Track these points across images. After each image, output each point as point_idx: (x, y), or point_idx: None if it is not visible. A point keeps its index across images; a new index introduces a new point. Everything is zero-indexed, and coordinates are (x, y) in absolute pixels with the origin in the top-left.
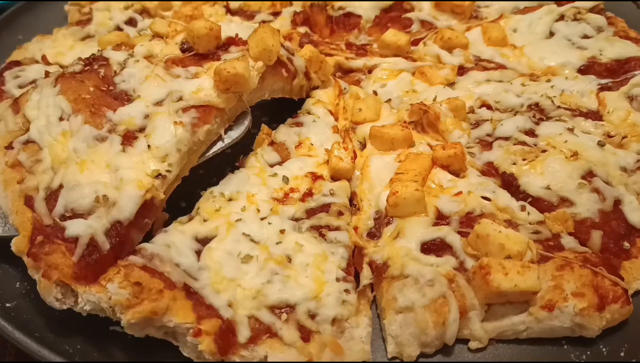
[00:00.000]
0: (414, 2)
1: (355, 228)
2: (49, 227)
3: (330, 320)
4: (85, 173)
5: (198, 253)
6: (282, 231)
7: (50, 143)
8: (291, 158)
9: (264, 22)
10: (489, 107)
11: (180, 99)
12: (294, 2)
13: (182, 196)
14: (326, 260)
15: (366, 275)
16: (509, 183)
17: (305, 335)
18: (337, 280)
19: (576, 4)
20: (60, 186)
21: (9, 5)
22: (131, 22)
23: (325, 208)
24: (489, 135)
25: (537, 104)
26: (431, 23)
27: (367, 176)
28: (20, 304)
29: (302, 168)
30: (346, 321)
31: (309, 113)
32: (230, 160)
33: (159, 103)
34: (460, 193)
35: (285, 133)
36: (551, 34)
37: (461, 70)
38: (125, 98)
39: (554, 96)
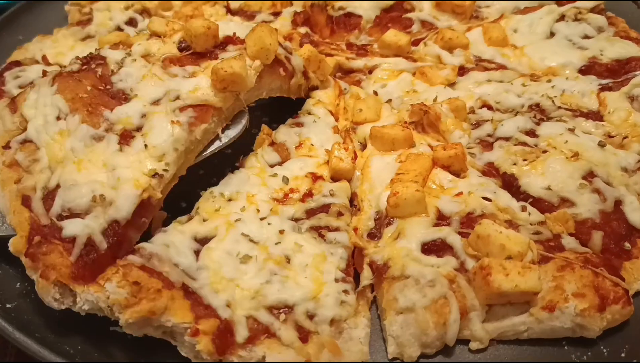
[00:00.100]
0: (415, 2)
1: (355, 229)
2: (47, 227)
3: (328, 321)
4: (82, 172)
5: (197, 253)
6: (281, 232)
7: (48, 142)
8: (291, 158)
9: (264, 22)
10: (489, 107)
11: (178, 98)
12: (294, 2)
13: (182, 196)
14: (325, 260)
15: (367, 276)
16: (510, 184)
17: (304, 335)
18: (336, 280)
19: (577, 4)
20: (58, 186)
21: (10, 5)
22: (131, 22)
23: (325, 208)
24: (489, 135)
25: (537, 105)
26: (432, 23)
27: (368, 176)
28: (21, 304)
29: (302, 168)
30: (345, 322)
31: (309, 113)
32: (231, 160)
33: (156, 102)
34: (460, 193)
35: (285, 133)
36: (552, 34)
37: (462, 70)
38: (122, 97)
39: (555, 96)
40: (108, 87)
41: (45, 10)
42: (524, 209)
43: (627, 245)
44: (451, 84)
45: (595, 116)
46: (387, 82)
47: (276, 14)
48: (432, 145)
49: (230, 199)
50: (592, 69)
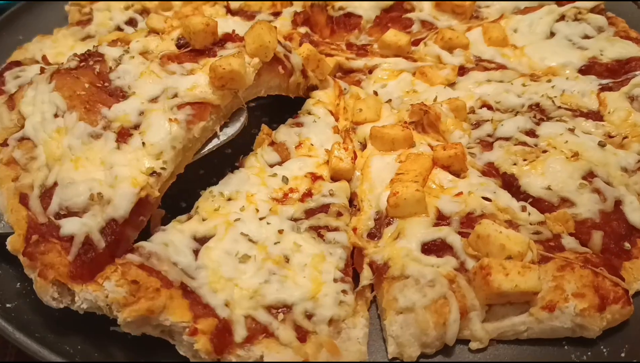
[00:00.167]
0: (415, 2)
1: (354, 229)
2: (44, 225)
3: (327, 321)
4: (79, 170)
5: (196, 252)
6: (280, 231)
7: (45, 139)
8: (291, 158)
9: None
10: (489, 107)
11: (176, 95)
12: (294, 2)
13: (182, 196)
14: (324, 260)
15: (366, 276)
16: (510, 184)
17: (302, 335)
18: (335, 280)
19: (577, 4)
20: (55, 184)
21: (10, 5)
22: (132, 22)
23: (324, 208)
24: (489, 135)
25: (537, 105)
26: (432, 23)
27: (368, 176)
28: (21, 304)
29: (301, 168)
30: (343, 322)
31: (309, 113)
32: (231, 160)
33: (153, 100)
34: (460, 193)
35: (285, 133)
36: (552, 34)
37: (462, 70)
38: (120, 95)
39: (555, 96)
40: (106, 84)
41: (45, 10)
42: (524, 209)
43: (627, 244)
44: (451, 84)
45: (595, 116)
46: (387, 82)
47: (276, 14)
48: (432, 145)
49: (229, 199)
50: (592, 69)
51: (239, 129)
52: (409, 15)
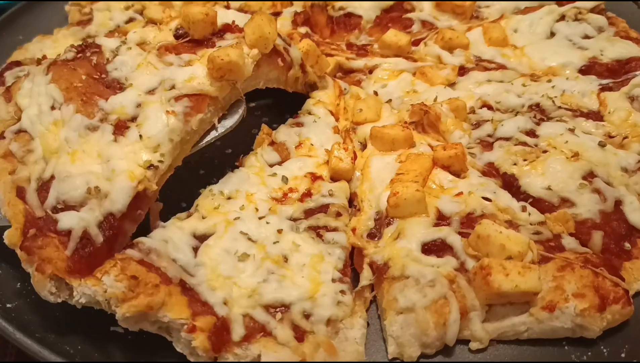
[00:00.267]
0: (415, 2)
1: (353, 230)
2: (41, 219)
3: (325, 321)
4: (76, 163)
5: (195, 249)
6: (279, 231)
7: (42, 132)
8: (291, 158)
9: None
10: (489, 107)
11: (173, 87)
12: (294, 2)
13: (183, 196)
14: (323, 260)
15: (367, 276)
16: (510, 184)
17: (300, 335)
18: (333, 280)
19: (577, 4)
20: (52, 177)
21: (10, 5)
22: (132, 22)
23: (323, 208)
24: (489, 135)
25: (537, 105)
26: (432, 23)
27: (368, 176)
28: (21, 305)
29: (301, 168)
30: (341, 322)
31: (309, 113)
32: (231, 160)
33: (151, 92)
34: (461, 193)
35: (285, 133)
36: (552, 34)
37: (462, 70)
38: (117, 86)
39: (555, 97)
40: (103, 76)
41: (46, 11)
42: (524, 209)
43: (627, 245)
44: (451, 84)
45: (596, 116)
46: (388, 82)
47: (276, 14)
48: (432, 145)
49: (229, 198)
50: (592, 69)
51: (237, 121)
52: (409, 15)
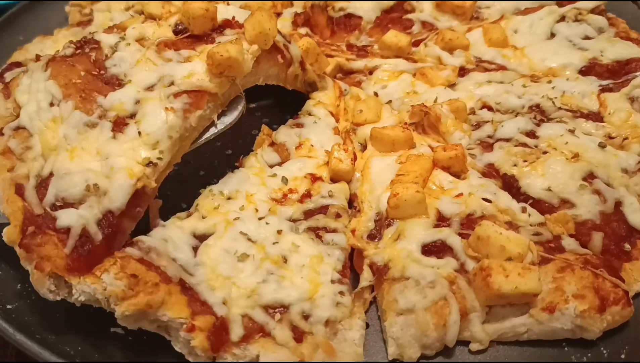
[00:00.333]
0: (415, 3)
1: (353, 231)
2: (40, 217)
3: (323, 322)
4: (75, 160)
5: (195, 249)
6: (279, 232)
7: (41, 129)
8: (291, 158)
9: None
10: (489, 108)
11: (172, 84)
12: (294, 3)
13: (183, 197)
14: (322, 261)
15: (367, 277)
16: (510, 185)
17: (298, 335)
18: (332, 282)
19: (577, 4)
20: (51, 174)
21: (10, 6)
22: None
23: (323, 209)
24: (489, 136)
25: (538, 106)
26: (432, 24)
27: (368, 177)
28: (21, 306)
29: (301, 169)
30: (339, 323)
31: (309, 114)
32: (231, 161)
33: (150, 88)
34: (461, 194)
35: (285, 134)
36: (552, 35)
37: (462, 71)
38: (116, 83)
39: (555, 97)
40: (102, 72)
41: (46, 11)
42: (524, 210)
43: (627, 246)
44: (451, 85)
45: (596, 117)
46: (388, 83)
47: (277, 15)
48: (432, 146)
49: (229, 198)
50: (592, 70)
51: (237, 118)
52: (409, 16)
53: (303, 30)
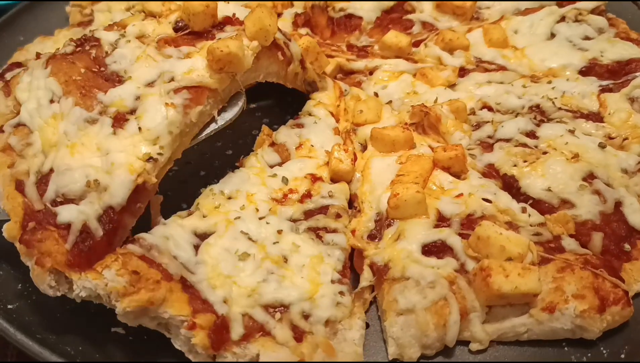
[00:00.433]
0: (415, 3)
1: (353, 231)
2: (40, 213)
3: (323, 321)
4: (75, 156)
5: (196, 247)
6: (279, 232)
7: (41, 125)
8: (291, 159)
9: None
10: (490, 108)
11: (172, 80)
12: (295, 3)
13: (183, 197)
14: (322, 261)
15: (367, 277)
16: (510, 185)
17: (298, 335)
18: (332, 282)
19: (577, 5)
20: (51, 170)
21: (11, 6)
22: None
23: (323, 210)
24: (489, 137)
25: (538, 106)
26: (432, 24)
27: (368, 177)
28: (22, 306)
29: (301, 169)
30: (339, 323)
31: (310, 115)
32: (232, 161)
33: (150, 84)
34: (461, 194)
35: (286, 134)
36: (552, 35)
37: (462, 71)
38: (116, 79)
39: (555, 98)
40: (102, 69)
41: (46, 11)
42: (524, 210)
43: (627, 246)
44: (452, 86)
45: (596, 117)
46: (388, 83)
47: (277, 15)
48: (432, 146)
49: (230, 198)
50: (592, 70)
51: (237, 114)
52: (409, 16)
53: (303, 30)
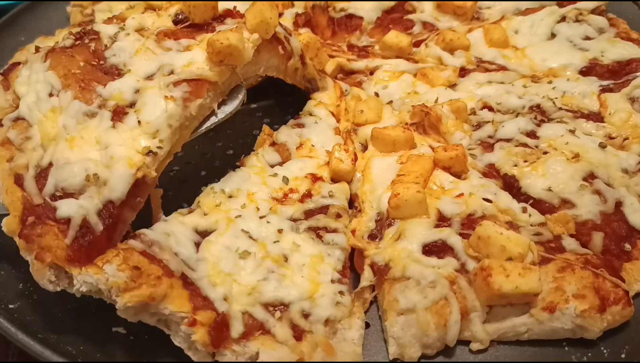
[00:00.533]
0: (416, 3)
1: (353, 231)
2: (40, 207)
3: (323, 321)
4: (75, 150)
5: (197, 244)
6: (280, 231)
7: (40, 119)
8: (292, 158)
9: None
10: (490, 108)
11: (172, 73)
12: (295, 3)
13: (184, 197)
14: (322, 261)
15: (367, 277)
16: (511, 185)
17: (298, 334)
18: (332, 281)
19: (578, 5)
20: (50, 164)
21: (11, 6)
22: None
23: (323, 209)
24: (490, 137)
25: (538, 106)
26: (433, 24)
27: (369, 177)
28: (23, 305)
29: (302, 168)
30: (339, 322)
31: (310, 115)
32: (232, 161)
33: (149, 77)
34: (461, 194)
35: (286, 134)
36: (553, 35)
37: (463, 71)
38: (115, 73)
39: (556, 98)
40: (101, 62)
41: (47, 11)
42: (524, 210)
43: (627, 246)
44: (452, 86)
45: (596, 117)
46: (388, 83)
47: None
48: (433, 146)
49: (230, 196)
50: (593, 70)
51: (237, 107)
52: (410, 16)
53: (304, 30)
